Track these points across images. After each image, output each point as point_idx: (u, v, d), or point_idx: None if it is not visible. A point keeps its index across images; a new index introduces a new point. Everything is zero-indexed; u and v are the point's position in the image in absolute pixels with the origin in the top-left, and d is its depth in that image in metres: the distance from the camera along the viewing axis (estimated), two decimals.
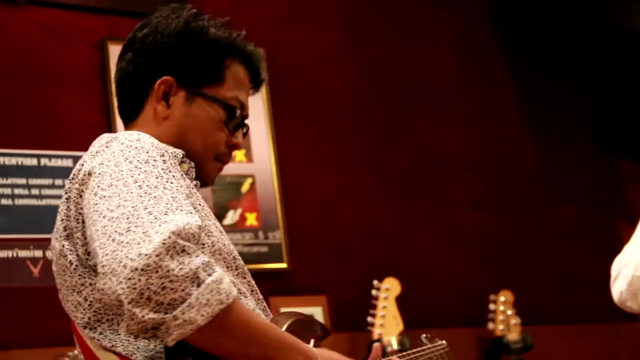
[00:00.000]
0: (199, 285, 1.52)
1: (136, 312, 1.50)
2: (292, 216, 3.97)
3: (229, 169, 3.84)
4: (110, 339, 1.65)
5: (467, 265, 4.31)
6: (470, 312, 4.19)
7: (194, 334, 1.52)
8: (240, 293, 1.74)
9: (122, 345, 1.65)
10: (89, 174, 1.68)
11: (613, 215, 4.76)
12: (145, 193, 1.59)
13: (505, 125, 4.64)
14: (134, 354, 1.63)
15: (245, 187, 3.89)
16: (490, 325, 4.05)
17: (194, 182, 1.85)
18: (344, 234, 4.11)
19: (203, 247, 1.69)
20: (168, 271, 1.50)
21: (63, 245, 1.71)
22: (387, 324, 3.75)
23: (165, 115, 1.87)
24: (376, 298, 3.80)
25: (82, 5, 3.78)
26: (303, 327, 1.82)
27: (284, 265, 3.87)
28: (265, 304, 1.86)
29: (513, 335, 4.00)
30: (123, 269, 1.50)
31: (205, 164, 1.89)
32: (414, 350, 2.13)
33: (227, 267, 1.76)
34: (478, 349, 4.13)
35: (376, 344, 2.02)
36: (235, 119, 1.90)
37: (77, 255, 1.68)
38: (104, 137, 1.75)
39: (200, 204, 1.78)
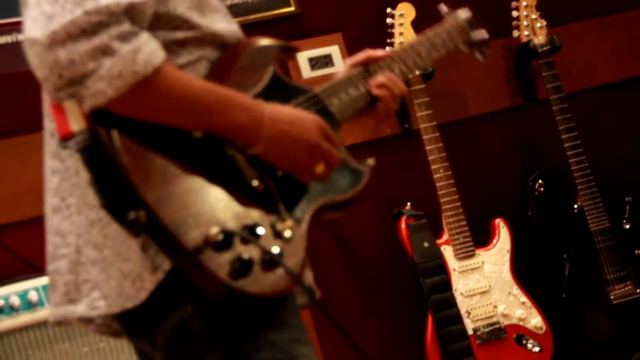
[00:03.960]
0: (111, 56, 1.45)
1: (49, 88, 1.48)
2: None
3: None
4: None
5: None
6: (493, 24, 4.02)
7: (113, 103, 1.48)
8: (210, 45, 1.67)
9: None
10: None
11: None
12: None
13: None
14: None
15: None
16: (515, 33, 3.92)
17: None
18: None
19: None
20: (75, 46, 1.44)
21: None
22: None
23: None
24: (392, 26, 3.68)
25: None
26: (260, 56, 1.74)
27: (292, 9, 3.73)
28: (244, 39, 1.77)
29: (539, 39, 3.87)
30: (34, 43, 1.47)
31: None
32: (419, 36, 2.07)
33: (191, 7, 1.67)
34: (506, 60, 4.02)
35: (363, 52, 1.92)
36: None
37: None
38: None
39: None
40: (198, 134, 1.57)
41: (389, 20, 3.68)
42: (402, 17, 3.68)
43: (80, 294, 1.64)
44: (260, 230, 1.55)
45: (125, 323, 1.68)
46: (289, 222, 1.60)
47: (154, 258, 1.55)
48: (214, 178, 1.56)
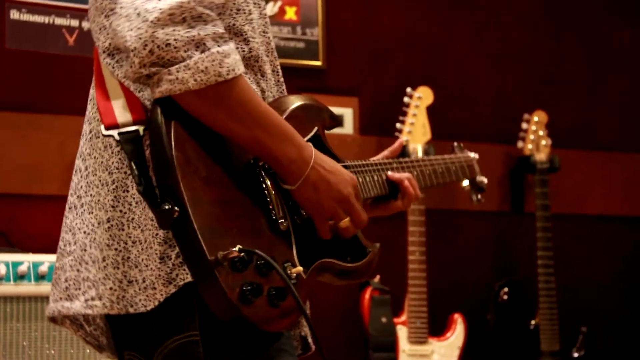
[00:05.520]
0: (202, 52, 1.52)
1: (135, 62, 1.53)
2: (332, 14, 3.90)
3: None
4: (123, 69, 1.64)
5: (506, 81, 4.24)
6: (501, 128, 4.17)
7: (183, 96, 1.54)
8: (256, 72, 1.72)
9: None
10: None
11: None
12: None
13: None
14: (142, 90, 1.63)
15: None
16: (520, 144, 4.04)
17: None
18: (384, 37, 4.05)
19: (237, 14, 1.68)
20: (174, 30, 1.51)
21: None
22: (414, 131, 3.74)
23: None
24: (407, 105, 3.78)
25: None
26: (310, 112, 1.79)
27: (319, 63, 3.84)
28: (284, 87, 1.83)
29: (541, 156, 3.98)
30: (136, 17, 1.52)
31: None
32: (438, 156, 2.15)
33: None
34: (504, 166, 4.13)
35: (400, 139, 2.03)
36: None
37: None
38: None
39: None
40: (248, 154, 1.63)
41: (406, 99, 3.78)
42: (420, 100, 3.78)
43: (78, 291, 1.68)
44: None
45: (120, 332, 1.70)
46: (299, 268, 1.65)
47: (170, 271, 1.59)
48: (247, 200, 1.62)
